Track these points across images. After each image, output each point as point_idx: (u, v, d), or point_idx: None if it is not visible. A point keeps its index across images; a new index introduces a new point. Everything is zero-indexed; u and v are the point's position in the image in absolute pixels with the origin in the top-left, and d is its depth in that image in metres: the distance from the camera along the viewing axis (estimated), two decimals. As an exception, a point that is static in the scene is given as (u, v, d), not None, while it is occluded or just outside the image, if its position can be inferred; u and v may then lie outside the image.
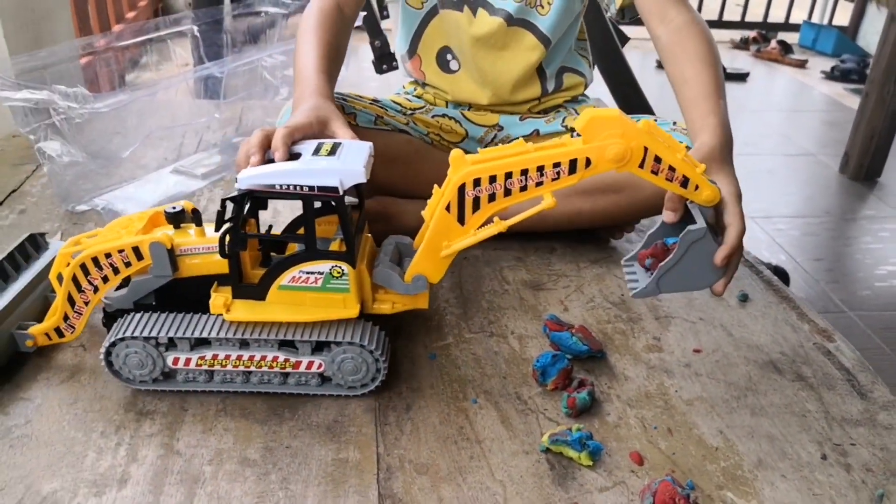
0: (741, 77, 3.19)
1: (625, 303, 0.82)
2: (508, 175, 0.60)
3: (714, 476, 0.59)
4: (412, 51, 1.04)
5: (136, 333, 0.61)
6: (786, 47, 3.50)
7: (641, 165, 0.59)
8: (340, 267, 0.61)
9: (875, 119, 2.19)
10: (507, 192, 0.61)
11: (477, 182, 0.61)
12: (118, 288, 0.65)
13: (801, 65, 3.39)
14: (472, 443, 0.63)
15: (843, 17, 3.79)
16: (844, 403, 0.67)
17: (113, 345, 0.61)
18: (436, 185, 0.64)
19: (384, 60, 1.80)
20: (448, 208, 0.62)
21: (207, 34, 1.29)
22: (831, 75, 3.21)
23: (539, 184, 0.61)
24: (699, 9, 3.69)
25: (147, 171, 1.15)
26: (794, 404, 0.67)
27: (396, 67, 1.85)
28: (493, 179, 0.61)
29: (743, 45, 3.64)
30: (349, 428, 0.64)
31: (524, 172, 0.60)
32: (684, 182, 0.60)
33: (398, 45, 1.07)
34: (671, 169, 0.59)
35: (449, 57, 1.02)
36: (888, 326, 1.60)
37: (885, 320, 1.62)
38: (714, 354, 0.74)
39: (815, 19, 3.78)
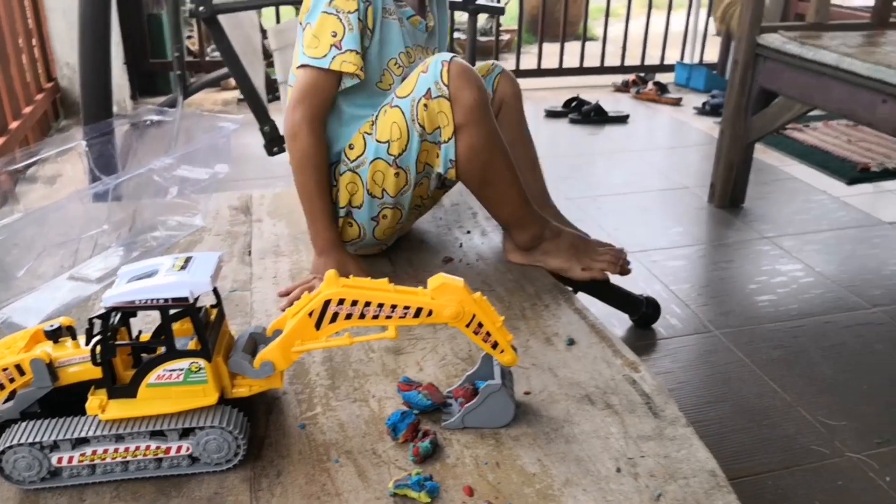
0: (622, 119, 3.45)
1: (471, 357, 0.95)
2: (367, 304, 0.75)
3: (529, 497, 0.72)
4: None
5: (23, 440, 0.70)
6: (661, 87, 3.80)
7: (468, 325, 0.77)
8: (198, 362, 0.73)
9: (732, 153, 2.43)
10: (362, 316, 0.76)
11: (341, 301, 0.75)
12: (6, 401, 0.74)
13: (676, 103, 3.69)
14: (333, 496, 0.74)
15: (712, 55, 4.13)
16: (641, 423, 0.81)
17: (2, 453, 0.70)
18: (307, 292, 0.78)
19: (274, 143, 1.93)
20: (311, 314, 0.76)
21: (97, 147, 1.39)
22: (703, 110, 3.51)
23: (388, 317, 0.76)
24: (581, 56, 3.97)
25: (44, 281, 1.23)
26: (600, 429, 0.81)
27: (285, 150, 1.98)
28: (354, 303, 0.75)
29: (624, 87, 3.93)
30: (227, 498, 0.74)
31: (380, 305, 0.75)
32: (495, 345, 0.78)
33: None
34: (488, 334, 0.77)
35: None
36: (749, 341, 1.78)
37: (745, 335, 1.81)
38: (541, 394, 0.87)
39: (687, 59, 4.12)
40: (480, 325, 0.77)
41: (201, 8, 1.65)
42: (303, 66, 1.06)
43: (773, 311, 1.92)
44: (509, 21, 5.35)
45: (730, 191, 2.47)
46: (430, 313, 0.76)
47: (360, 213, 1.14)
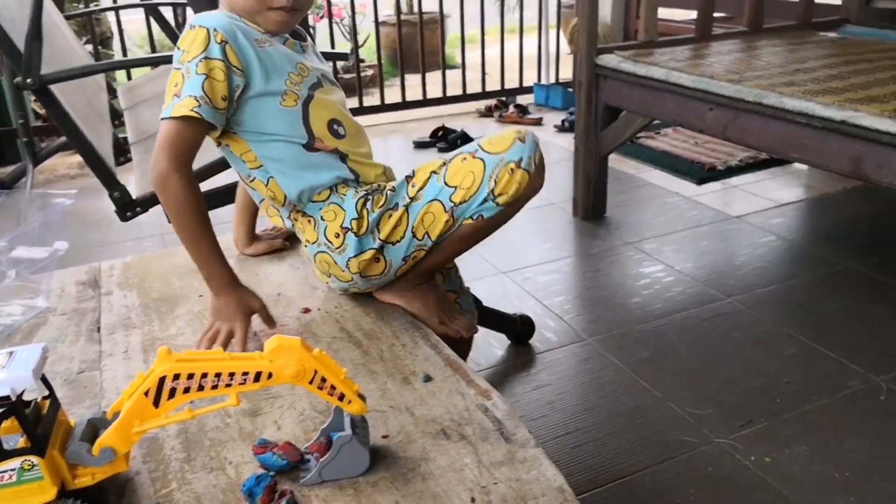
0: (489, 144, 3.55)
1: (329, 409, 0.95)
2: (205, 375, 0.74)
3: (388, 543, 0.73)
4: (311, 138, 1.16)
5: None
6: (523, 109, 3.96)
7: (311, 382, 0.77)
8: (30, 460, 0.69)
9: (588, 167, 2.56)
10: (201, 388, 0.74)
11: (176, 376, 0.74)
12: None
13: (538, 122, 3.85)
14: (189, 577, 0.72)
15: (568, 73, 4.34)
16: (493, 450, 0.84)
17: None
18: (140, 371, 0.76)
19: (127, 208, 1.86)
20: (147, 393, 0.74)
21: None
22: (562, 128, 3.67)
23: (228, 385, 0.75)
24: (443, 85, 4.07)
25: None
26: (455, 462, 0.83)
27: (141, 212, 1.92)
28: (190, 376, 0.74)
29: (488, 112, 4.07)
30: None
31: (218, 375, 0.74)
32: (341, 397, 0.79)
33: (279, 153, 1.16)
34: (333, 387, 0.78)
35: (336, 126, 1.19)
36: (620, 344, 1.87)
37: (616, 339, 1.90)
38: (398, 436, 0.88)
39: (544, 80, 4.31)
40: (324, 379, 0.78)
41: (28, 80, 1.58)
42: (162, 120, 1.08)
43: (640, 312, 2.02)
44: (370, 56, 5.43)
45: (591, 203, 2.60)
46: (269, 376, 0.76)
47: (396, 249, 1.15)
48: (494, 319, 1.87)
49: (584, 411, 1.64)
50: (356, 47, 4.02)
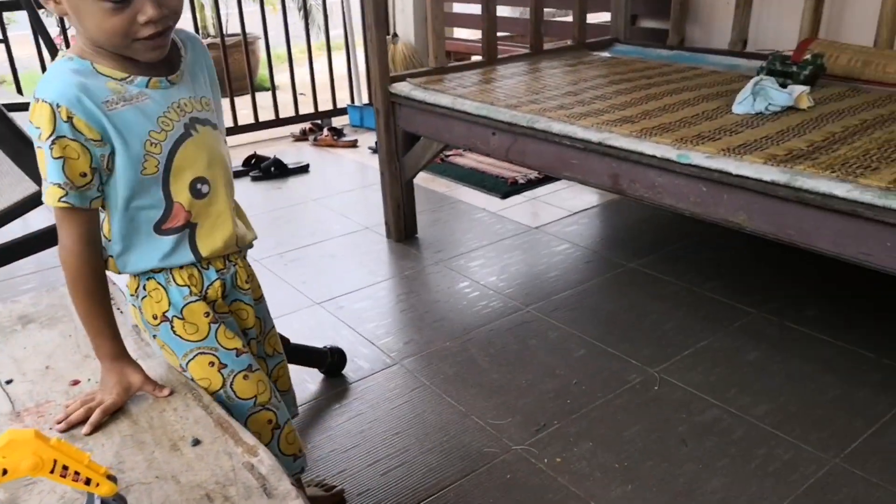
0: (303, 169, 3.55)
1: (93, 487, 0.93)
2: None
3: None
4: (168, 208, 1.05)
5: None
6: (337, 132, 3.99)
7: (53, 471, 0.75)
8: None
9: (395, 191, 2.63)
10: None
11: None
12: None
13: (353, 145, 3.90)
14: None
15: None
16: (257, 509, 0.86)
17: None
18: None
19: None
20: None
21: None
22: (376, 150, 3.74)
23: None
24: (254, 111, 4.01)
25: None
26: (217, 528, 0.84)
27: None
28: None
29: (303, 136, 4.06)
30: None
31: None
32: (88, 481, 0.78)
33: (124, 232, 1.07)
34: (77, 473, 0.76)
35: (199, 185, 1.07)
36: (428, 364, 1.95)
37: (425, 359, 1.97)
38: (162, 507, 0.88)
39: (357, 101, 4.36)
40: (66, 467, 0.76)
41: None
42: None
43: (448, 330, 2.12)
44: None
45: (402, 225, 2.68)
46: (4, 472, 0.74)
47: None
48: (305, 356, 1.88)
49: (394, 436, 1.69)
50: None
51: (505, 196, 3.08)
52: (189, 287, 1.11)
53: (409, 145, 2.56)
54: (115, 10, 0.92)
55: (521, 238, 2.71)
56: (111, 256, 1.10)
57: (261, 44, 4.51)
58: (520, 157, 2.08)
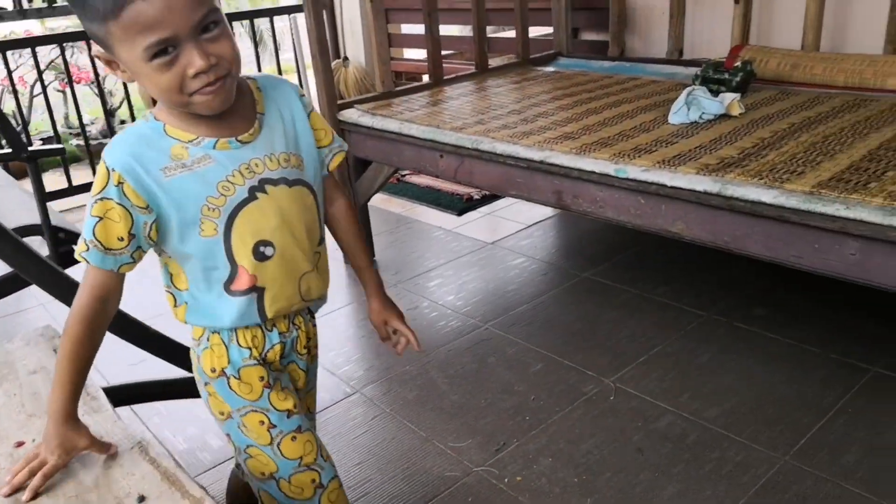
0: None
1: (37, 552, 0.93)
2: None
3: None
4: (234, 271, 1.04)
5: None
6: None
7: None
8: None
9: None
10: None
11: None
12: None
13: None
14: None
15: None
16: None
17: None
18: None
19: None
20: None
21: None
22: (333, 173, 3.75)
23: None
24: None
25: None
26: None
27: None
28: None
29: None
30: None
31: None
32: None
33: (197, 287, 1.07)
34: None
35: (262, 248, 1.04)
36: (388, 390, 1.96)
37: (384, 386, 1.98)
38: (107, 569, 0.88)
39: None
40: None
41: None
42: None
43: (407, 353, 2.10)
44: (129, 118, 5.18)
45: (358, 250, 2.68)
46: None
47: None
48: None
49: (356, 466, 1.70)
50: (107, 113, 3.84)
51: (461, 213, 3.11)
52: (250, 350, 1.11)
53: (361, 170, 2.57)
54: (163, 66, 0.90)
55: (478, 254, 2.74)
56: (184, 303, 1.10)
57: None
58: (468, 178, 2.11)
